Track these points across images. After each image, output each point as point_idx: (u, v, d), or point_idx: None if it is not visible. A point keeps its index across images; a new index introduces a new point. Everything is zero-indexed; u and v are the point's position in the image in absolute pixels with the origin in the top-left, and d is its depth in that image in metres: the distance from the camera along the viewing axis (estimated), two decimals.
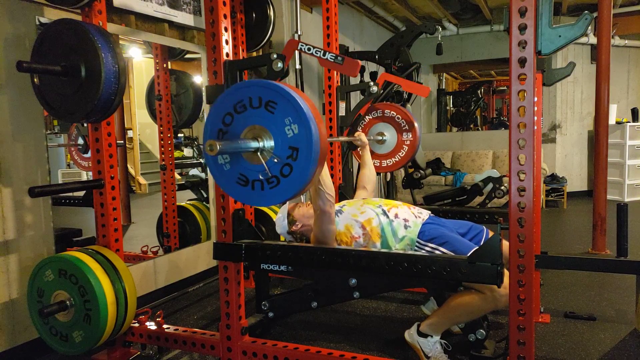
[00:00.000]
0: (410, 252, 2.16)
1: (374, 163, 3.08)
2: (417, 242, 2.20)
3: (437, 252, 2.14)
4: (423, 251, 2.17)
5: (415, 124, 3.17)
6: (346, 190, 3.19)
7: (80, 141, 3.54)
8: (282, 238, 3.28)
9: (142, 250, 3.36)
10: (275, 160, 1.52)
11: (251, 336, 2.14)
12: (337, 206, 2.35)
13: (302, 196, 2.51)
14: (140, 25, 2.90)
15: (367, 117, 3.25)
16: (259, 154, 1.53)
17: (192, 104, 3.78)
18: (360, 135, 2.87)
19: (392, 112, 3.18)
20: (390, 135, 3.20)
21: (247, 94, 1.54)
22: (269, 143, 1.52)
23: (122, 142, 4.03)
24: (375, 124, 3.23)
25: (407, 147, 3.17)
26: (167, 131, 3.61)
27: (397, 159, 3.19)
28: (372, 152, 3.05)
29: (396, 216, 2.26)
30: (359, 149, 2.94)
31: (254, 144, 1.51)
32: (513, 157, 1.51)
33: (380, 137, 3.20)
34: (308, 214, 2.33)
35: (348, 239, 2.23)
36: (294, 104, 1.48)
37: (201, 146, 4.36)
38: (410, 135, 3.15)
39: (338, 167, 3.21)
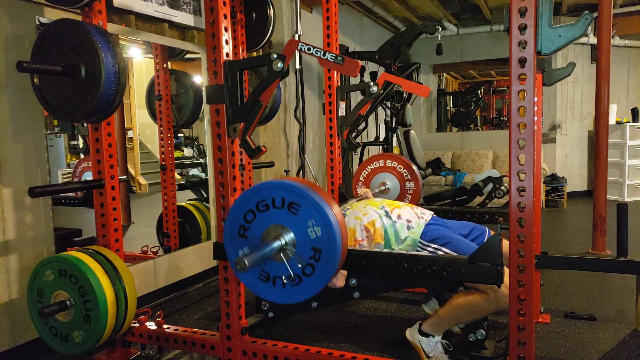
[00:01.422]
0: (411, 252, 2.16)
1: None
2: (420, 242, 2.20)
3: (439, 252, 2.14)
4: (425, 252, 2.17)
5: (417, 174, 3.20)
6: (346, 190, 3.19)
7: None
8: None
9: (142, 250, 3.36)
10: (299, 265, 1.55)
11: (251, 336, 2.14)
12: None
13: None
14: (140, 25, 2.90)
15: (369, 167, 3.30)
16: (281, 253, 1.55)
17: (192, 104, 3.78)
18: (367, 193, 2.88)
19: (393, 162, 3.23)
20: (392, 183, 3.24)
21: (270, 195, 1.57)
22: (292, 243, 1.54)
23: (125, 177, 4.06)
24: (377, 174, 3.28)
25: (410, 197, 3.21)
26: (167, 131, 3.61)
27: None
28: None
29: (399, 217, 2.26)
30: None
31: (277, 245, 1.53)
32: (513, 157, 1.51)
33: (383, 187, 3.24)
34: None
35: (351, 242, 2.23)
36: (317, 207, 1.50)
37: (201, 146, 4.37)
38: (413, 185, 3.20)
39: (338, 167, 3.21)
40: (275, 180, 1.63)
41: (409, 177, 3.19)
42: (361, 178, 3.30)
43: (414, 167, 3.23)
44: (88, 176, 3.38)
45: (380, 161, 3.27)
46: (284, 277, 1.58)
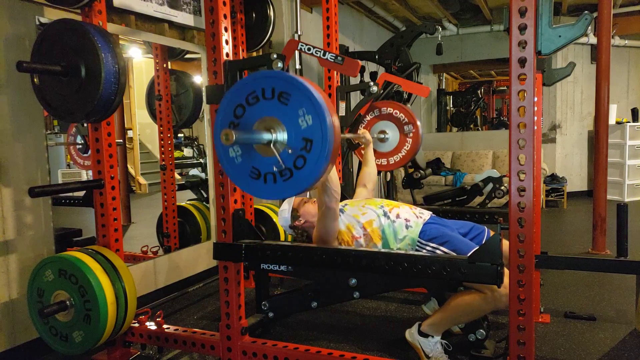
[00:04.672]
0: (410, 252, 2.16)
1: (379, 162, 3.08)
2: (418, 241, 2.20)
3: (438, 251, 2.14)
4: (424, 251, 2.17)
5: (414, 115, 3.17)
6: (346, 190, 3.19)
7: (80, 140, 3.54)
8: (281, 231, 3.30)
9: (142, 250, 3.36)
10: (289, 151, 1.48)
11: (251, 336, 2.14)
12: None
13: (308, 192, 2.53)
14: (140, 25, 2.90)
15: (367, 116, 3.24)
16: (272, 146, 1.49)
17: (192, 104, 3.78)
18: (365, 133, 2.87)
19: (389, 108, 3.18)
20: (392, 132, 3.19)
21: (260, 85, 1.51)
22: (282, 135, 1.49)
23: (121, 140, 4.02)
24: (375, 123, 3.22)
25: (410, 141, 3.15)
26: (167, 131, 3.61)
27: (402, 154, 3.18)
28: (375, 151, 3.05)
29: (398, 216, 2.26)
30: (362, 146, 2.92)
31: (267, 136, 1.48)
32: (513, 157, 1.51)
33: (382, 136, 3.18)
34: (313, 212, 2.35)
35: (349, 238, 2.24)
36: (308, 94, 1.44)
37: (201, 146, 4.37)
38: (412, 128, 3.14)
39: (338, 167, 3.21)
40: (266, 70, 1.58)
41: (406, 121, 3.14)
42: (360, 127, 3.27)
43: (409, 108, 3.20)
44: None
45: (377, 109, 3.21)
46: (275, 169, 1.53)
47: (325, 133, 1.44)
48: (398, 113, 3.15)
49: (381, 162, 3.17)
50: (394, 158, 3.21)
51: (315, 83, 1.56)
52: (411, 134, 3.14)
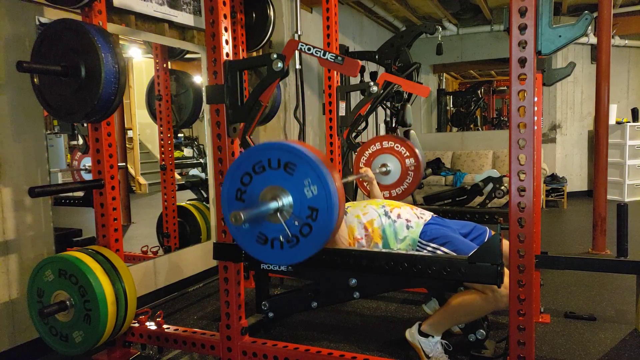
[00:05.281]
0: (411, 252, 2.15)
1: (383, 194, 3.10)
2: (419, 242, 2.20)
3: (438, 252, 2.14)
4: (425, 251, 2.17)
5: (415, 149, 3.22)
6: (346, 189, 3.19)
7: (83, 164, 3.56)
8: None
9: (142, 250, 3.36)
10: (296, 222, 1.54)
11: (251, 336, 2.14)
12: None
13: None
14: (140, 25, 2.90)
15: (366, 152, 3.29)
16: (278, 214, 1.54)
17: (192, 104, 3.78)
18: (367, 171, 2.88)
19: (390, 142, 3.22)
20: (393, 165, 3.23)
21: (267, 156, 1.56)
22: (288, 203, 1.54)
23: (123, 164, 4.04)
24: (376, 157, 3.27)
25: (413, 173, 3.21)
26: (167, 131, 3.61)
27: (405, 186, 3.23)
28: (379, 184, 3.07)
29: (399, 216, 2.26)
30: (366, 183, 2.95)
31: (274, 205, 1.53)
32: (513, 157, 1.51)
33: (384, 169, 3.23)
34: None
35: (351, 239, 2.24)
36: (313, 166, 1.49)
37: (201, 146, 4.37)
38: (414, 161, 3.19)
39: (338, 167, 3.21)
40: (272, 141, 1.63)
41: (407, 154, 3.19)
42: (361, 165, 3.30)
43: (410, 143, 3.23)
44: (87, 162, 3.36)
45: (377, 144, 3.25)
46: (281, 238, 1.58)
47: (330, 202, 1.49)
48: (399, 146, 3.21)
49: (384, 194, 3.20)
50: (397, 190, 3.26)
51: (317, 148, 1.61)
52: (413, 167, 3.20)
